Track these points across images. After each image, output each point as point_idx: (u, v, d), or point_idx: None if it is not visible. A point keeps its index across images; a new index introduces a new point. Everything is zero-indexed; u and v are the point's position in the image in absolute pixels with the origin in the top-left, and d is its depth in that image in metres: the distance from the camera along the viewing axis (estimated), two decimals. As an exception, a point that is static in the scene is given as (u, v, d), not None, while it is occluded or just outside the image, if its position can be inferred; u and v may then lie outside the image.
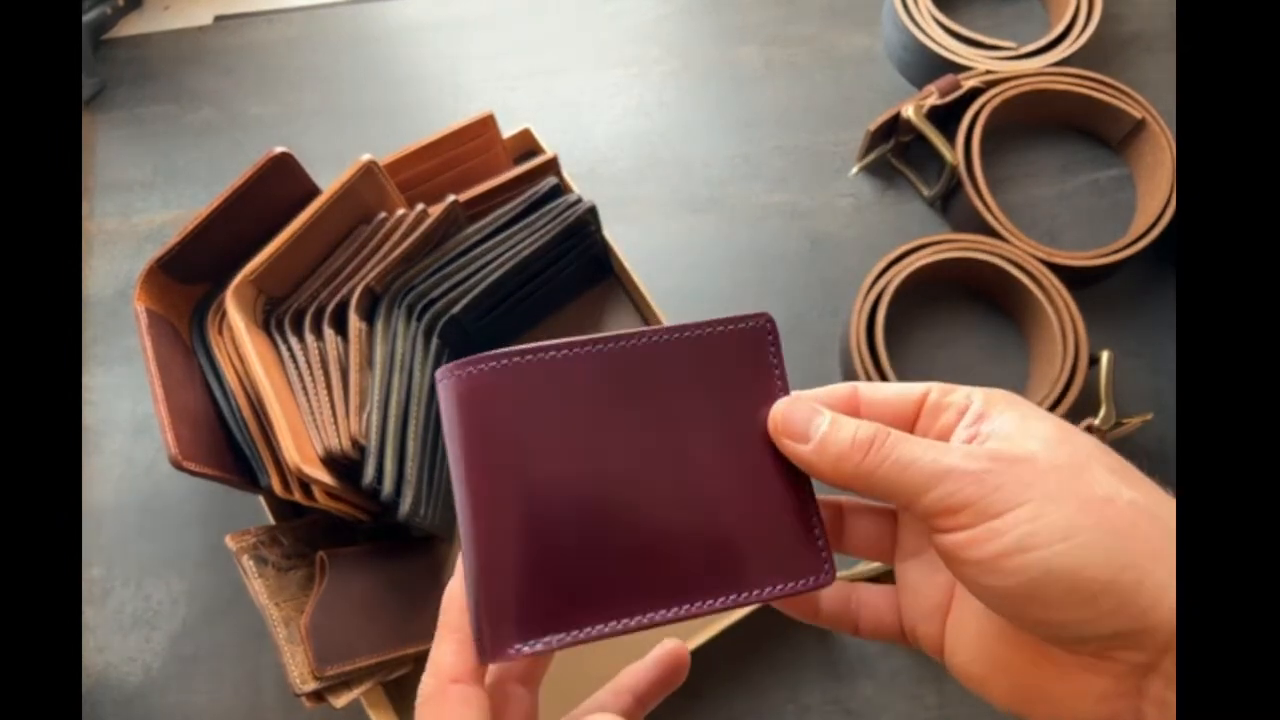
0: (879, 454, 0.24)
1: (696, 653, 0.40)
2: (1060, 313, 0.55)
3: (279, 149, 0.47)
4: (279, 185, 0.49)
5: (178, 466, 0.42)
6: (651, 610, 0.24)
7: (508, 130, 0.58)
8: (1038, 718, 0.24)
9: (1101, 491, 0.22)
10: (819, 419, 0.25)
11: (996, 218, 0.58)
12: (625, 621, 0.24)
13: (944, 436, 0.25)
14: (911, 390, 0.26)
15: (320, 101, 0.71)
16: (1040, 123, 0.66)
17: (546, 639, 0.23)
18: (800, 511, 0.26)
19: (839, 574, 0.29)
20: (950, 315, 0.60)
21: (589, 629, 0.23)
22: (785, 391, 0.27)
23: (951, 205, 0.63)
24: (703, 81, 0.70)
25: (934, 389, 0.26)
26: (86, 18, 0.71)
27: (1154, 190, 0.61)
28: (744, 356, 0.26)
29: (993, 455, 0.23)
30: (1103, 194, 0.64)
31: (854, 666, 0.51)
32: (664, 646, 0.28)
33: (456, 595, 0.24)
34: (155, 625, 0.55)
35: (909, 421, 0.26)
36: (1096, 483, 0.22)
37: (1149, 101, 0.61)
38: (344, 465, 0.46)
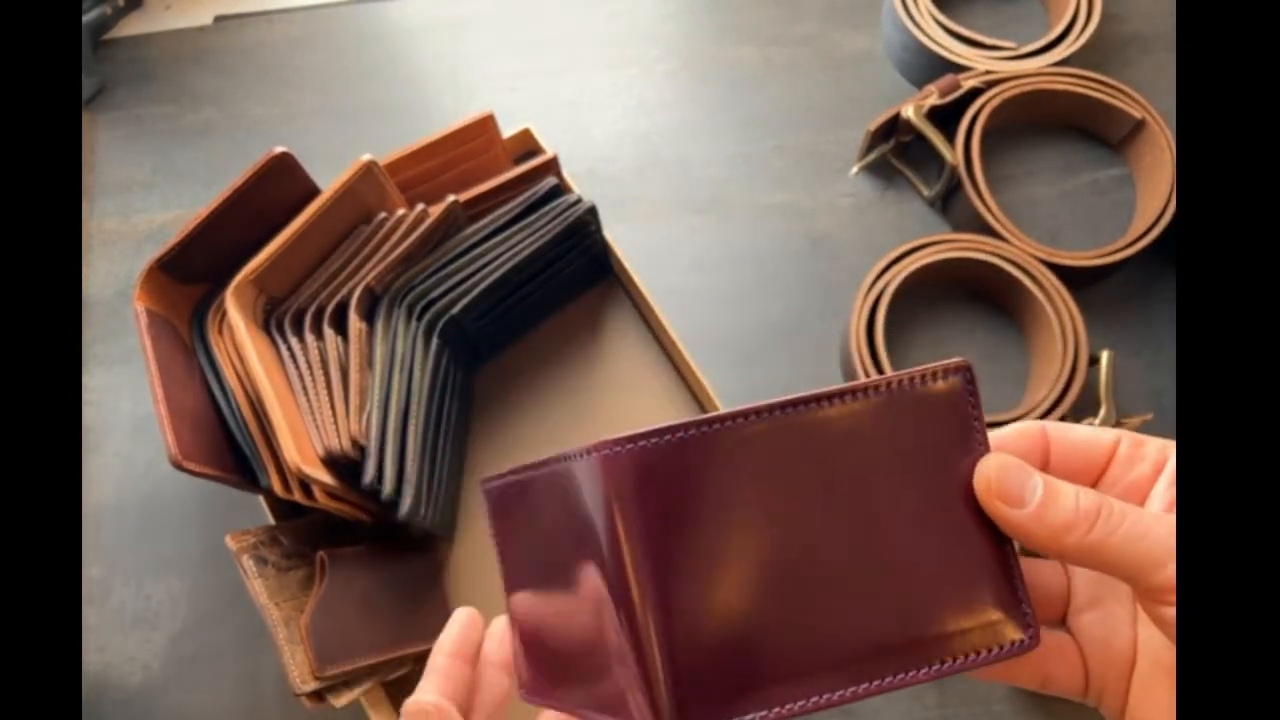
0: (1106, 525, 0.22)
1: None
2: (1060, 313, 0.55)
3: (279, 149, 0.47)
4: (279, 185, 0.49)
5: (178, 466, 0.42)
6: (839, 689, 0.22)
7: (508, 130, 0.58)
8: None
9: None
10: (1033, 481, 0.23)
11: (996, 218, 0.58)
12: (811, 700, 0.22)
13: (1138, 491, 0.24)
14: (1103, 437, 0.25)
15: (320, 101, 0.71)
16: (1040, 123, 0.66)
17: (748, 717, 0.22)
18: (1003, 573, 0.24)
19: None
20: (950, 315, 0.60)
21: (775, 709, 0.22)
22: (986, 446, 0.24)
23: (951, 205, 0.63)
24: (703, 81, 0.70)
25: (1125, 439, 0.25)
26: (86, 18, 0.71)
27: (1154, 190, 0.61)
28: (939, 411, 0.24)
29: None
30: (1103, 194, 0.64)
31: (854, 666, 0.51)
32: None
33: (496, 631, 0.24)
34: (155, 625, 0.55)
35: (1098, 470, 0.25)
36: None
37: (1149, 101, 0.61)
38: (344, 465, 0.46)
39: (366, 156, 0.50)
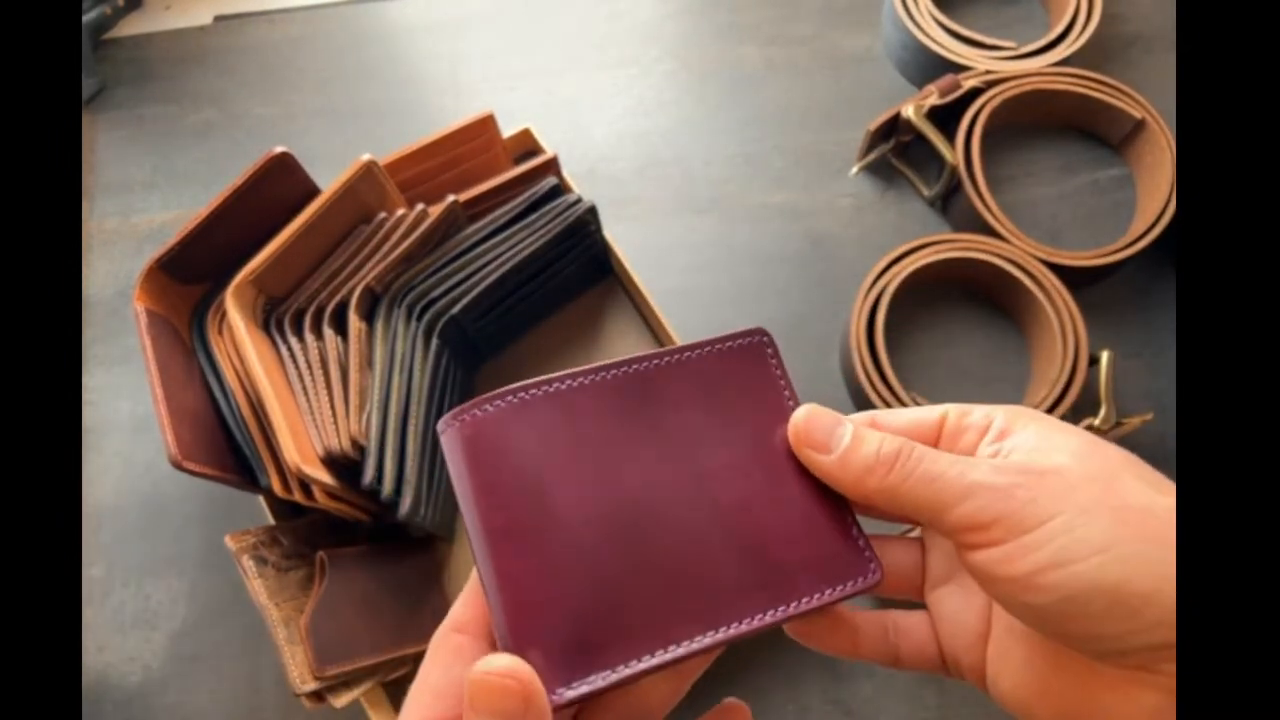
0: (904, 469, 0.23)
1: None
2: (1060, 313, 0.55)
3: (279, 149, 0.47)
4: (279, 185, 0.49)
5: (178, 466, 0.42)
6: (695, 635, 0.23)
7: (508, 130, 0.58)
8: None
9: (1137, 500, 0.21)
10: (841, 429, 0.25)
11: (996, 218, 0.58)
12: (670, 651, 0.22)
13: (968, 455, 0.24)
14: (929, 414, 0.26)
15: (320, 101, 0.71)
16: (1040, 123, 0.66)
17: (590, 679, 0.22)
18: (835, 516, 0.25)
19: (867, 608, 0.28)
20: (950, 315, 0.60)
21: (633, 664, 0.22)
22: (795, 403, 0.26)
23: (951, 205, 0.63)
24: (703, 81, 0.70)
25: (951, 411, 0.25)
26: (86, 18, 0.71)
27: (1154, 190, 0.61)
28: (747, 372, 0.26)
29: (1021, 468, 0.22)
30: (1103, 194, 0.64)
31: (854, 667, 0.51)
32: (725, 703, 0.27)
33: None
34: (155, 625, 0.55)
35: (929, 445, 0.25)
36: (1130, 492, 0.21)
37: (1149, 101, 0.61)
38: (344, 465, 0.46)
39: (366, 156, 0.50)
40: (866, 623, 0.27)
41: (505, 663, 0.20)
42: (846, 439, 0.24)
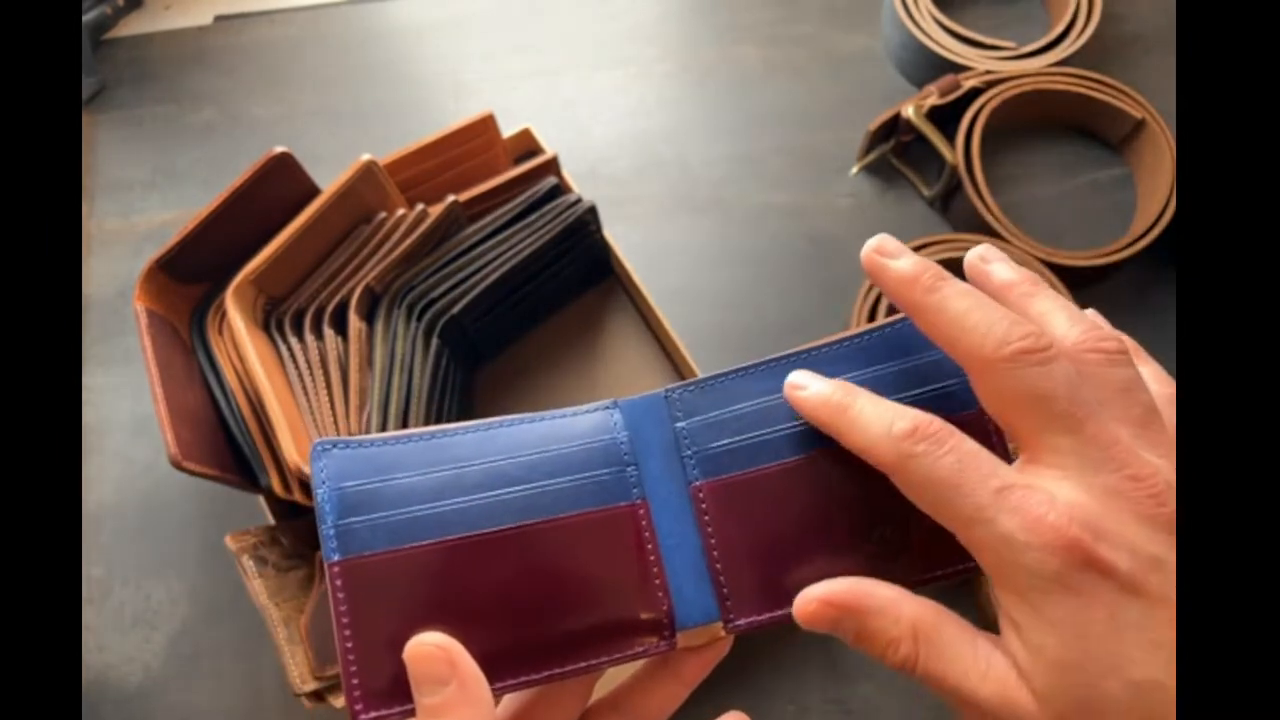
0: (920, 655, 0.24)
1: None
2: (1060, 313, 0.55)
3: (279, 149, 0.47)
4: (279, 185, 0.49)
5: (178, 466, 0.42)
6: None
7: (508, 130, 0.58)
8: None
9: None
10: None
11: (996, 218, 0.58)
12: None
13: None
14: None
15: (320, 101, 0.71)
16: (1040, 123, 0.66)
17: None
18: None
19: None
20: (950, 315, 0.60)
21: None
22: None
23: (951, 205, 0.63)
24: (703, 81, 0.70)
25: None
26: (86, 18, 0.71)
27: (1154, 190, 0.61)
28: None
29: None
30: (1103, 194, 0.64)
31: (854, 667, 0.51)
32: (728, 717, 0.27)
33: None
34: (155, 625, 0.55)
35: None
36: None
37: (1149, 101, 0.61)
38: (344, 465, 0.46)
39: (366, 156, 0.50)
40: None
41: (432, 637, 0.23)
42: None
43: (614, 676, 0.27)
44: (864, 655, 0.25)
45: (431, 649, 0.23)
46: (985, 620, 0.49)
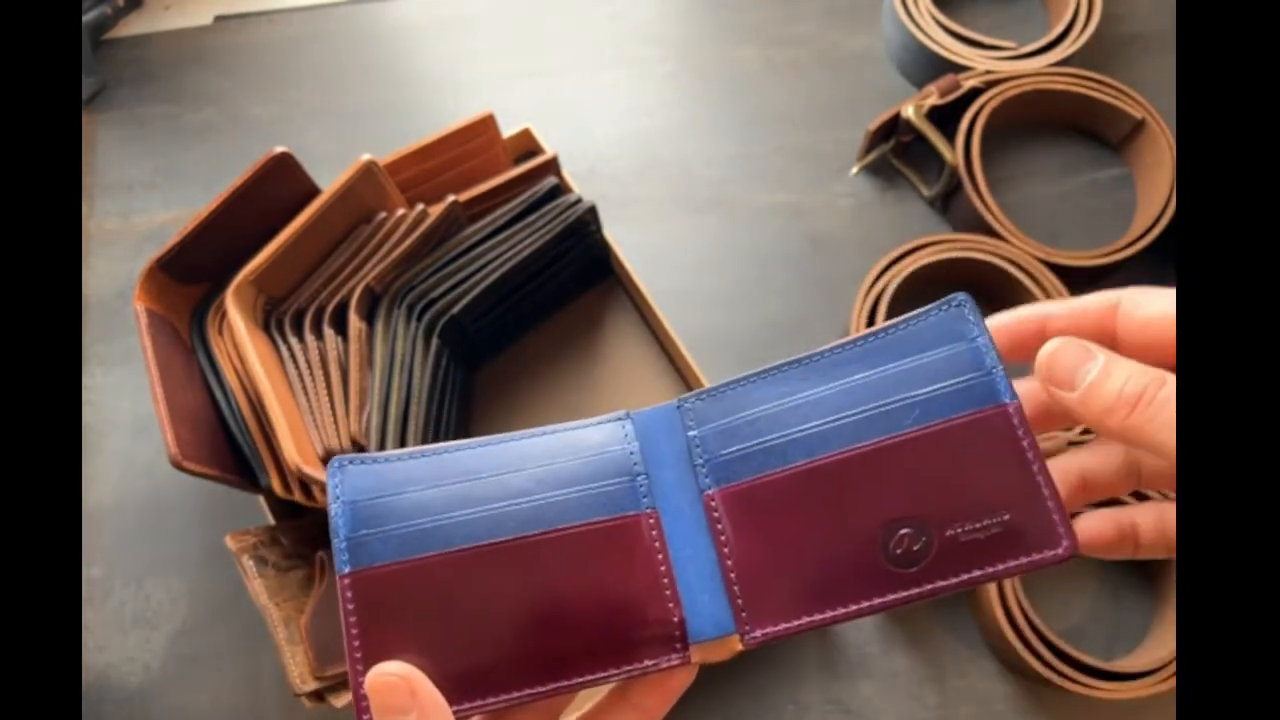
0: (1144, 413, 0.23)
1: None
2: (1060, 313, 0.55)
3: (279, 149, 0.47)
4: (279, 185, 0.49)
5: (178, 466, 0.42)
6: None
7: (508, 130, 0.58)
8: None
9: None
10: (1089, 364, 0.24)
11: (996, 218, 0.58)
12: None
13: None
14: (1098, 302, 0.26)
15: (320, 101, 0.71)
16: (1040, 123, 0.66)
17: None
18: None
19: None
20: (950, 315, 0.60)
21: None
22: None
23: (951, 205, 0.63)
24: (703, 81, 0.70)
25: (1125, 299, 0.26)
26: (86, 18, 0.71)
27: (1154, 190, 0.61)
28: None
29: None
30: (1103, 194, 0.64)
31: (853, 666, 0.51)
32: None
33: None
34: (155, 625, 0.55)
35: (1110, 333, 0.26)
36: None
37: (1149, 101, 0.61)
38: (344, 465, 0.46)
39: (366, 156, 0.50)
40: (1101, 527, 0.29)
41: (393, 666, 0.23)
42: (1093, 374, 0.24)
43: (574, 708, 0.27)
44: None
45: (392, 679, 0.23)
46: (984, 622, 0.49)
